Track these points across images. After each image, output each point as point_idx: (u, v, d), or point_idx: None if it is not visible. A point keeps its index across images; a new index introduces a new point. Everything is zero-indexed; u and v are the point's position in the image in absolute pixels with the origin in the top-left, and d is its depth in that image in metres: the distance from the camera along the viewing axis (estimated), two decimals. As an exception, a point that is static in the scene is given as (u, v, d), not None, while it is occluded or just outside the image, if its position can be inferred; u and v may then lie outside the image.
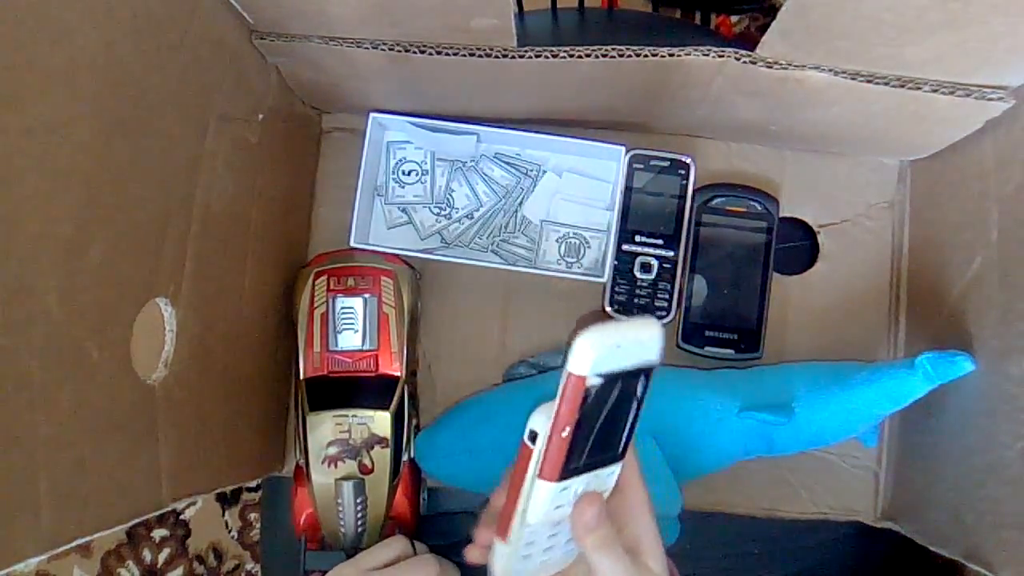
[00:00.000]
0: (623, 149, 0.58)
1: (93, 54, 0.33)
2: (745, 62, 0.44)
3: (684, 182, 0.59)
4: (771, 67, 0.44)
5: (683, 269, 0.59)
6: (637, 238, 0.59)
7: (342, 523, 0.53)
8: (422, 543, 0.53)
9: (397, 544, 0.50)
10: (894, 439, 0.59)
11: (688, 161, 0.58)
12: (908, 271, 0.59)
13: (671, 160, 0.59)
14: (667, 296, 0.59)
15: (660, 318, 0.59)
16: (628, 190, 0.59)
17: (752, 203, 0.59)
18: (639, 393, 0.34)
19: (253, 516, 1.27)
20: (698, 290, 0.59)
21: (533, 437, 0.35)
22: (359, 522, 0.53)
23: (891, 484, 0.59)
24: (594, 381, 0.31)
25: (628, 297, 0.59)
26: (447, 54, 0.46)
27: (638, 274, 0.59)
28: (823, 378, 0.52)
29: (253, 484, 0.57)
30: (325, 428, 0.53)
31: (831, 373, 0.52)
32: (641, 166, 0.59)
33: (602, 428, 0.34)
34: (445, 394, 0.61)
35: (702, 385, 0.53)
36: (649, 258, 0.59)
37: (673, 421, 0.51)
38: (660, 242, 0.59)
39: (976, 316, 0.49)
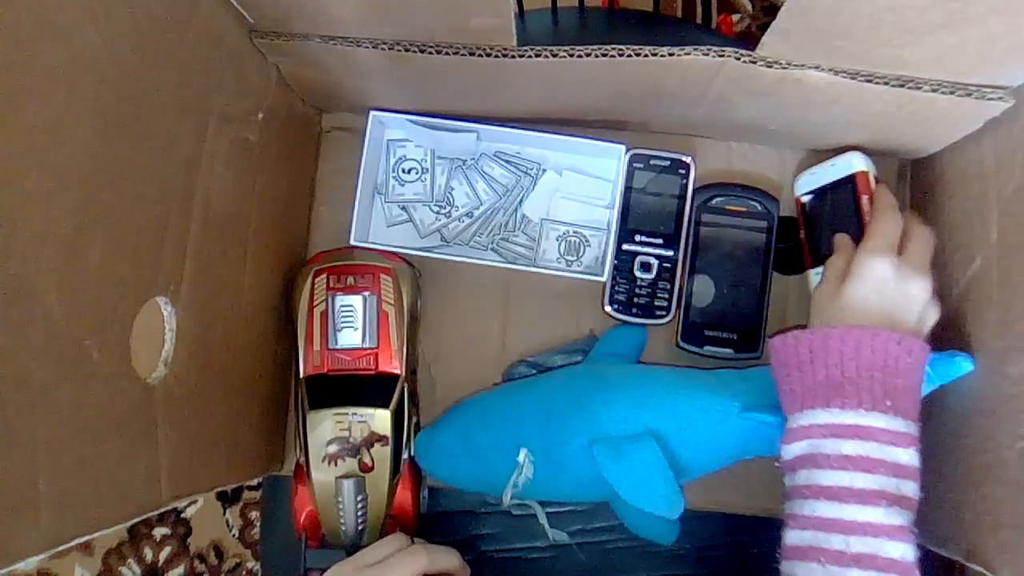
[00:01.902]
0: (623, 148, 0.58)
1: (93, 54, 0.33)
2: (745, 62, 0.44)
3: (684, 182, 0.59)
4: (771, 67, 0.44)
5: (683, 268, 0.59)
6: (637, 237, 0.59)
7: (342, 521, 0.53)
8: (423, 540, 0.53)
9: (396, 541, 0.50)
10: (894, 439, 0.59)
11: (688, 161, 0.58)
12: (908, 271, 0.59)
13: (671, 160, 0.59)
14: (667, 295, 0.59)
15: (660, 317, 0.59)
16: (628, 189, 0.59)
17: (752, 203, 0.59)
18: None
19: (254, 515, 1.27)
20: (698, 290, 0.59)
21: None
22: (359, 520, 0.53)
23: (890, 484, 0.59)
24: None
25: (628, 296, 0.59)
26: (447, 53, 0.46)
27: (638, 273, 0.59)
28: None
29: (253, 483, 0.57)
30: (325, 426, 0.53)
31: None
32: (641, 165, 0.59)
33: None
34: (445, 393, 0.61)
35: (702, 386, 0.53)
36: (649, 257, 0.59)
37: (674, 422, 0.51)
38: (660, 241, 0.59)
39: (976, 316, 0.49)
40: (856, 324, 0.46)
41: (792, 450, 0.46)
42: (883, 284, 0.47)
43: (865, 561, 0.41)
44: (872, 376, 0.44)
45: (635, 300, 0.59)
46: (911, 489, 0.43)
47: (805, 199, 0.57)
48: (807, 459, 0.44)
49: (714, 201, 0.59)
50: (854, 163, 0.55)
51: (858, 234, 0.53)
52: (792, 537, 0.44)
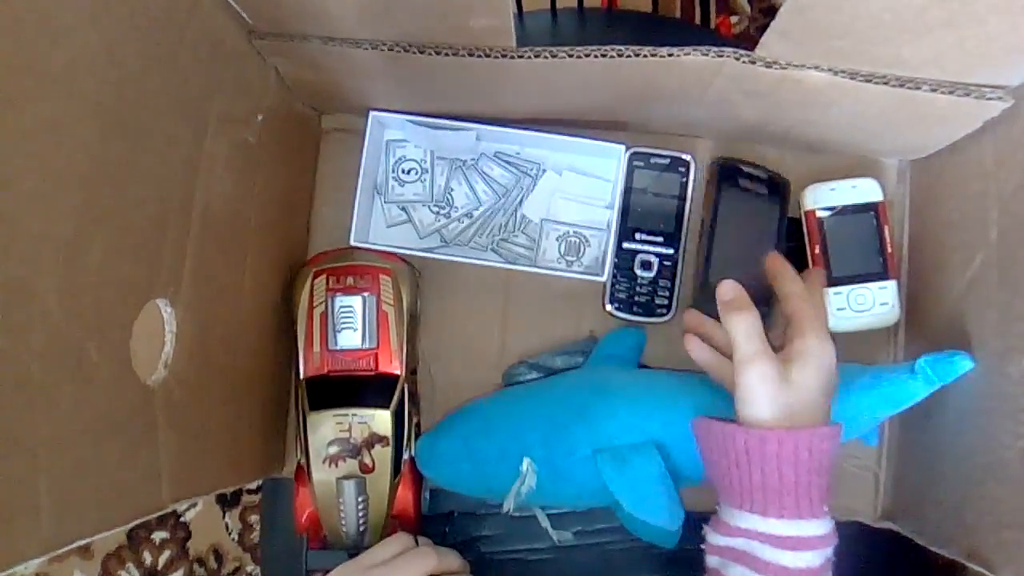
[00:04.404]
0: (623, 147, 0.58)
1: (92, 55, 0.33)
2: (744, 62, 0.44)
3: (684, 180, 0.59)
4: (770, 67, 0.44)
5: (700, 248, 0.59)
6: (637, 236, 0.59)
7: (343, 522, 0.53)
8: (428, 539, 0.53)
9: (399, 541, 0.50)
10: (894, 439, 0.59)
11: (688, 159, 0.59)
12: (908, 271, 0.59)
13: (671, 158, 0.59)
14: (667, 294, 0.59)
15: (660, 316, 0.59)
16: (628, 188, 0.59)
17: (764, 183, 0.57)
18: None
19: (254, 518, 1.26)
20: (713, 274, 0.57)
21: None
22: (361, 521, 0.53)
23: (891, 484, 0.59)
24: None
25: (628, 295, 0.59)
26: (446, 54, 0.46)
27: (638, 272, 0.59)
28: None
29: (252, 486, 0.57)
30: (326, 427, 0.53)
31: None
32: (641, 164, 0.59)
33: None
34: (445, 394, 0.61)
35: (705, 393, 0.52)
36: (649, 256, 0.59)
37: (677, 431, 0.50)
38: (661, 240, 0.59)
39: (976, 316, 0.49)
40: (801, 420, 0.43)
41: (727, 541, 0.44)
42: (829, 370, 0.44)
43: None
44: (810, 481, 0.42)
45: (636, 298, 0.59)
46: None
47: (822, 214, 0.57)
48: (744, 556, 0.43)
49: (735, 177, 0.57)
50: (877, 191, 0.56)
51: (879, 266, 0.56)
52: None
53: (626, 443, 0.51)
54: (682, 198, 0.59)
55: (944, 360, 0.47)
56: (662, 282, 0.59)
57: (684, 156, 0.59)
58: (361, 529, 0.53)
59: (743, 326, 0.43)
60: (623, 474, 0.49)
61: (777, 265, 0.48)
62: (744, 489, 0.43)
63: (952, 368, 0.47)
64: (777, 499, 0.42)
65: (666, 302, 0.59)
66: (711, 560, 0.46)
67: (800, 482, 0.42)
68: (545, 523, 0.59)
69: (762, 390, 0.42)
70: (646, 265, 0.59)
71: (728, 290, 0.45)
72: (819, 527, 0.42)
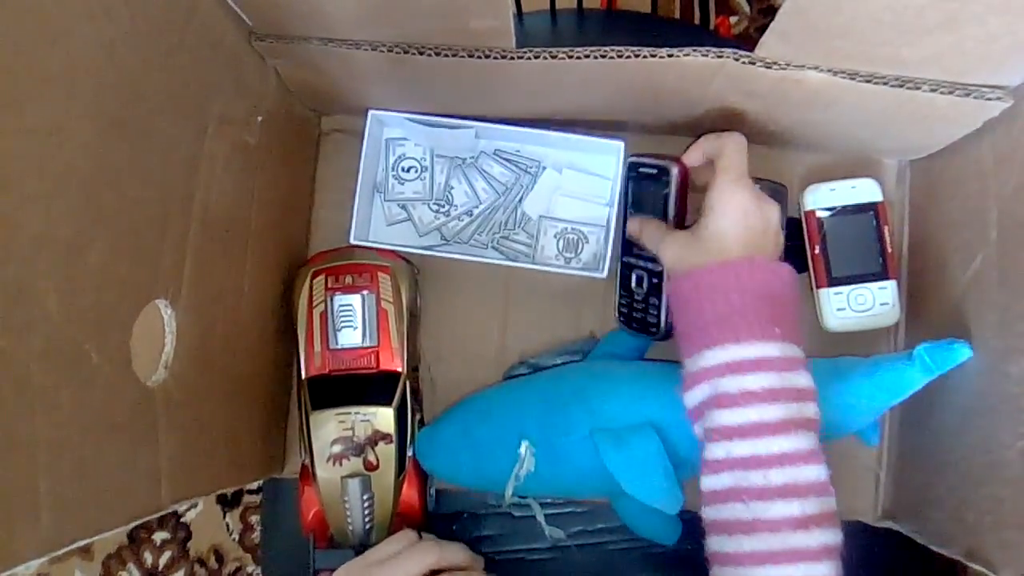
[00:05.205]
0: (622, 144, 0.57)
1: (92, 56, 0.33)
2: (744, 63, 0.44)
3: (667, 191, 0.54)
4: (770, 67, 0.44)
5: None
6: (633, 250, 0.57)
7: (349, 520, 0.53)
8: (432, 535, 0.53)
9: (404, 538, 0.50)
10: (894, 439, 0.59)
11: (672, 168, 0.53)
12: (908, 271, 0.59)
13: (658, 167, 0.54)
14: (656, 311, 0.55)
15: (652, 333, 0.56)
16: (625, 195, 0.57)
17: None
18: None
19: (254, 518, 1.27)
20: None
21: None
22: (366, 519, 0.53)
23: (891, 484, 0.59)
24: None
25: (628, 309, 0.58)
26: (446, 55, 0.46)
27: (634, 288, 0.57)
28: (822, 373, 0.51)
29: (253, 487, 0.57)
30: (329, 426, 0.53)
31: (830, 367, 0.52)
32: (634, 174, 0.57)
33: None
34: (445, 393, 0.61)
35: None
36: (641, 272, 0.56)
37: (674, 415, 0.50)
38: (652, 256, 0.54)
39: (976, 316, 0.49)
40: (728, 257, 0.46)
41: (695, 396, 0.46)
42: (746, 213, 0.47)
43: (787, 490, 0.42)
44: (758, 306, 0.45)
45: (634, 314, 0.57)
46: (812, 410, 0.44)
47: (822, 215, 0.57)
48: (711, 402, 0.45)
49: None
50: (876, 191, 0.57)
51: (879, 266, 0.57)
52: (710, 483, 0.45)
53: (624, 424, 0.50)
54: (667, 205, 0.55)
55: (942, 348, 0.47)
56: (652, 299, 0.56)
57: (670, 166, 0.53)
58: (367, 527, 0.53)
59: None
60: (621, 453, 0.49)
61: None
62: (698, 330, 0.46)
63: (950, 356, 0.47)
64: (729, 325, 0.45)
65: (655, 320, 0.55)
66: (695, 427, 0.47)
67: (748, 307, 0.45)
68: (540, 518, 0.59)
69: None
70: (639, 281, 0.56)
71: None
72: (778, 349, 0.44)
